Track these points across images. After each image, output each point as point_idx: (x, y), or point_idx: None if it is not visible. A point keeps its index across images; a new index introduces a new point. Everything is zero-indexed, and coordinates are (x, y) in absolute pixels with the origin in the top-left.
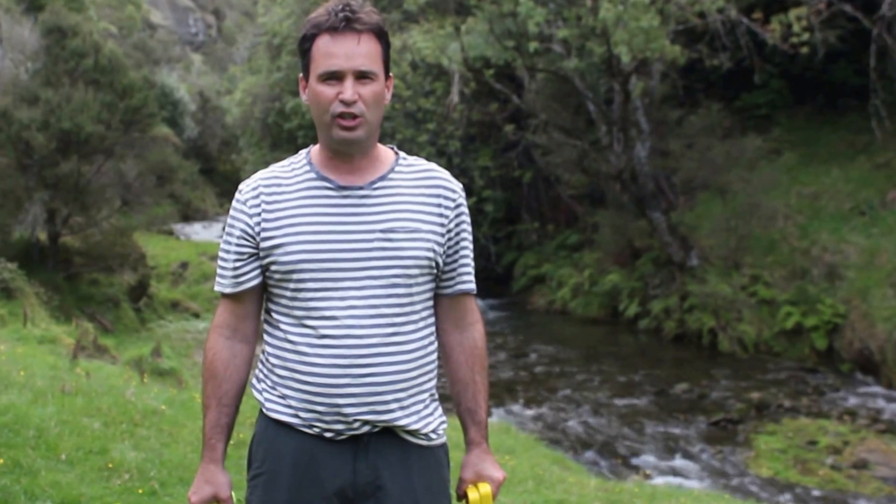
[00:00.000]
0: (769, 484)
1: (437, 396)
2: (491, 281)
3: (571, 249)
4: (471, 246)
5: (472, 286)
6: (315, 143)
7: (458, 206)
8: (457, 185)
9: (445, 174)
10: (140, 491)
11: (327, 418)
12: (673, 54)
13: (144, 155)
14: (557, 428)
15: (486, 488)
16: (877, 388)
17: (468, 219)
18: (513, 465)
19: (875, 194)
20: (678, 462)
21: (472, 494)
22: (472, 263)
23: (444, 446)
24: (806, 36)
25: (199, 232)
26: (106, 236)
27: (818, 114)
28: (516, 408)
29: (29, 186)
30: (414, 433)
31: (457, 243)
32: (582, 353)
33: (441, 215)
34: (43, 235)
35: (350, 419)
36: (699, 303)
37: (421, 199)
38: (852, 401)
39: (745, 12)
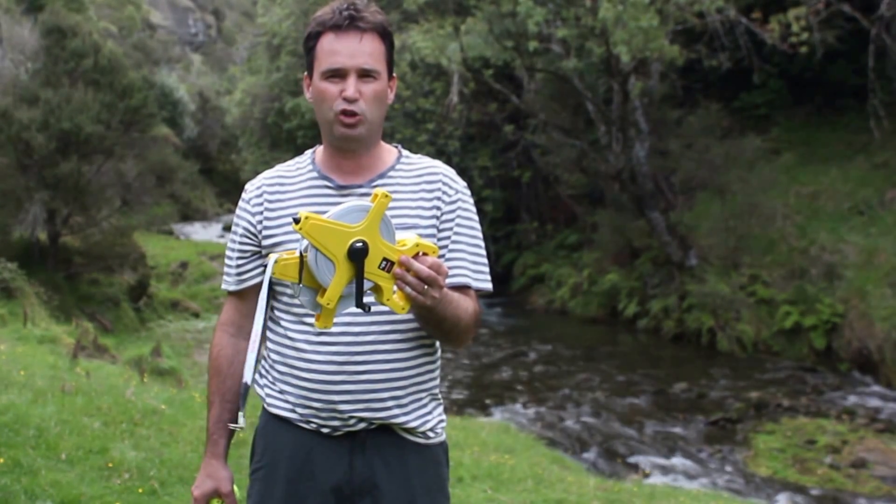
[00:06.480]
0: (768, 483)
1: (438, 395)
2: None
3: (570, 249)
4: (474, 241)
5: (469, 280)
6: (316, 142)
7: (455, 200)
8: (458, 181)
9: (447, 171)
10: (140, 490)
11: (323, 415)
12: (672, 54)
13: (144, 155)
14: (557, 427)
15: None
16: (875, 388)
17: (472, 214)
18: (512, 465)
19: (873, 194)
20: (677, 461)
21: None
22: (479, 259)
23: (442, 444)
24: (805, 36)
25: (198, 232)
26: (106, 236)
27: (817, 114)
28: (516, 407)
29: (29, 186)
30: (411, 431)
31: (454, 233)
32: (581, 353)
33: (436, 208)
34: (43, 235)
35: (345, 416)
36: (698, 302)
37: (420, 196)
38: (851, 400)
39: (743, 12)
